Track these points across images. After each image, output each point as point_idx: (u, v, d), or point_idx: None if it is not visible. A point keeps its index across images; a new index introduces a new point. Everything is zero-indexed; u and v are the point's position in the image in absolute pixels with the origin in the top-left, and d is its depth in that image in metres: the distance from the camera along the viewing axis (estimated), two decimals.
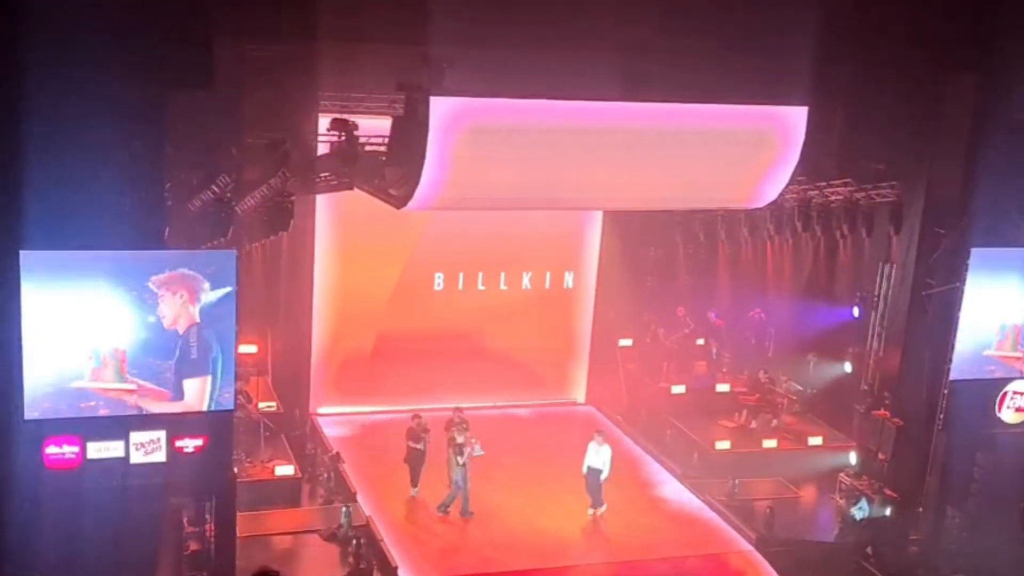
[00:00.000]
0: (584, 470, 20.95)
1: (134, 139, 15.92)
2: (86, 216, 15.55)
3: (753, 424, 24.75)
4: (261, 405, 22.39)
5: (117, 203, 15.76)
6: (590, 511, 21.01)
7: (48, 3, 15.01)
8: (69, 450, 16.10)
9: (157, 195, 16.89)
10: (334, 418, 24.63)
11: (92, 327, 15.92)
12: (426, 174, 18.08)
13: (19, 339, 15.60)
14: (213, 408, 16.54)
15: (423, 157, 17.92)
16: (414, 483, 21.31)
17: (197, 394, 16.49)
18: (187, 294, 16.18)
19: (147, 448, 16.49)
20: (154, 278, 15.93)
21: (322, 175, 19.72)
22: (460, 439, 20.64)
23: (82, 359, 15.93)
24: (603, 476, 20.90)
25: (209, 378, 16.40)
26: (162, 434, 16.53)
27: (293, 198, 18.90)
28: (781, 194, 21.15)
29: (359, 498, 20.82)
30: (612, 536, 20.67)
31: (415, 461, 21.24)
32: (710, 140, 19.72)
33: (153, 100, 16.16)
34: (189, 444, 16.71)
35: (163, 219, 17.16)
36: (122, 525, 16.32)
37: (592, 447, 20.93)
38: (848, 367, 24.74)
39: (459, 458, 20.52)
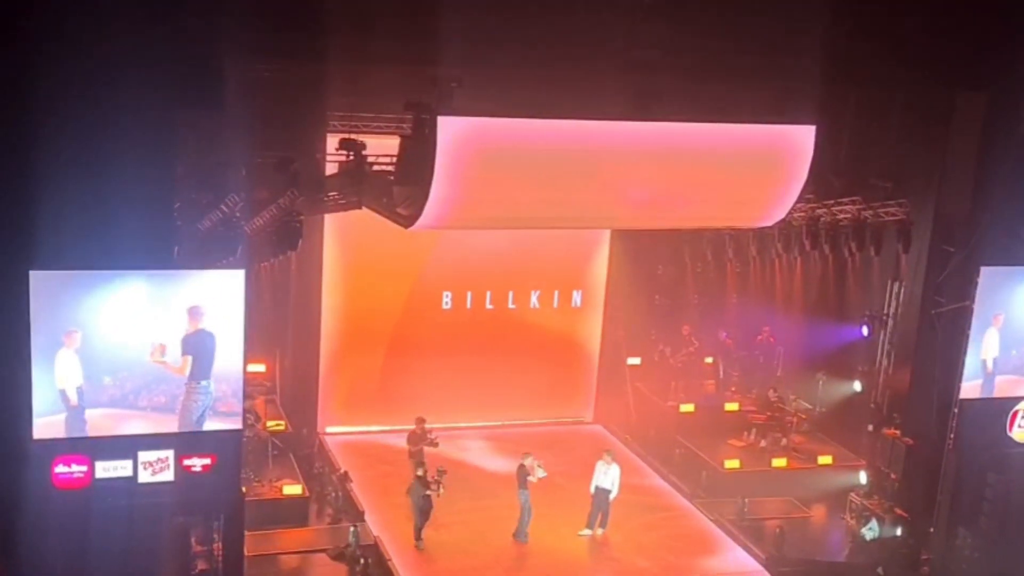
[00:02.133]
0: (592, 489, 20.89)
1: (144, 159, 15.94)
2: (96, 236, 15.58)
3: (762, 443, 24.68)
4: (269, 424, 22.38)
5: (127, 223, 15.76)
6: (586, 532, 20.91)
7: (59, 24, 15.10)
8: (78, 469, 16.12)
9: (167, 215, 16.94)
10: (342, 437, 24.61)
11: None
12: (434, 193, 18.10)
13: (28, 359, 15.63)
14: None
15: (431, 177, 17.94)
16: (419, 535, 20.21)
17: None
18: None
19: (155, 467, 16.51)
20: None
21: (330, 194, 19.77)
22: (527, 463, 20.53)
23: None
24: (612, 496, 20.84)
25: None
26: (170, 453, 16.55)
27: (302, 217, 18.95)
28: (789, 212, 21.15)
29: (367, 517, 20.80)
30: (620, 556, 20.58)
31: (427, 508, 20.10)
32: (719, 159, 19.72)
33: (163, 120, 16.21)
34: (197, 463, 16.72)
35: (173, 239, 17.21)
36: (130, 544, 16.29)
37: (600, 466, 20.88)
38: (857, 386, 24.69)
39: (529, 478, 20.46)
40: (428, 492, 19.88)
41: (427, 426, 21.91)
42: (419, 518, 20.04)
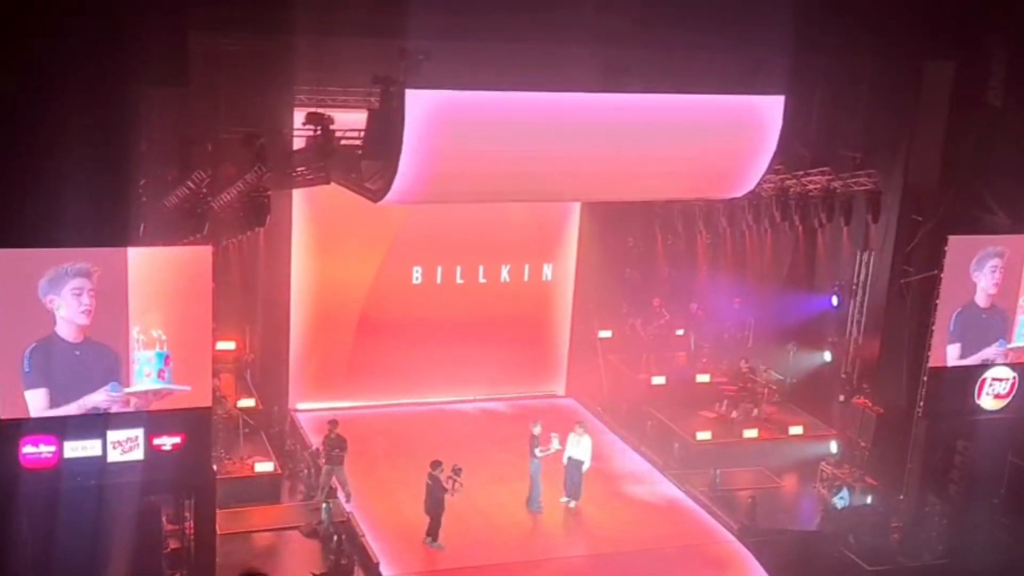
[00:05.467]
0: (565, 460, 20.93)
1: (108, 135, 15.73)
2: (61, 214, 15.37)
3: (734, 414, 24.78)
4: (240, 402, 22.26)
5: (92, 200, 15.57)
6: (563, 499, 21.03)
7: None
8: (46, 449, 15.93)
9: (132, 192, 16.74)
10: (314, 414, 24.49)
11: None
12: (402, 167, 17.98)
13: None
14: None
15: (399, 150, 17.81)
16: (436, 535, 19.54)
17: None
18: None
19: (125, 446, 16.33)
20: None
21: (298, 170, 19.61)
22: (536, 431, 20.53)
23: None
24: (584, 467, 20.88)
25: None
26: (140, 432, 16.37)
27: (269, 193, 18.79)
28: (759, 184, 21.15)
29: (340, 494, 20.73)
30: (594, 528, 20.64)
31: (440, 510, 19.46)
32: (688, 130, 19.69)
33: (127, 96, 16.02)
34: (167, 442, 16.56)
35: (139, 216, 17.00)
36: (100, 524, 16.14)
37: (572, 438, 20.92)
38: (828, 356, 24.81)
39: (537, 450, 20.45)
40: (444, 493, 19.30)
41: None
42: (434, 519, 19.48)
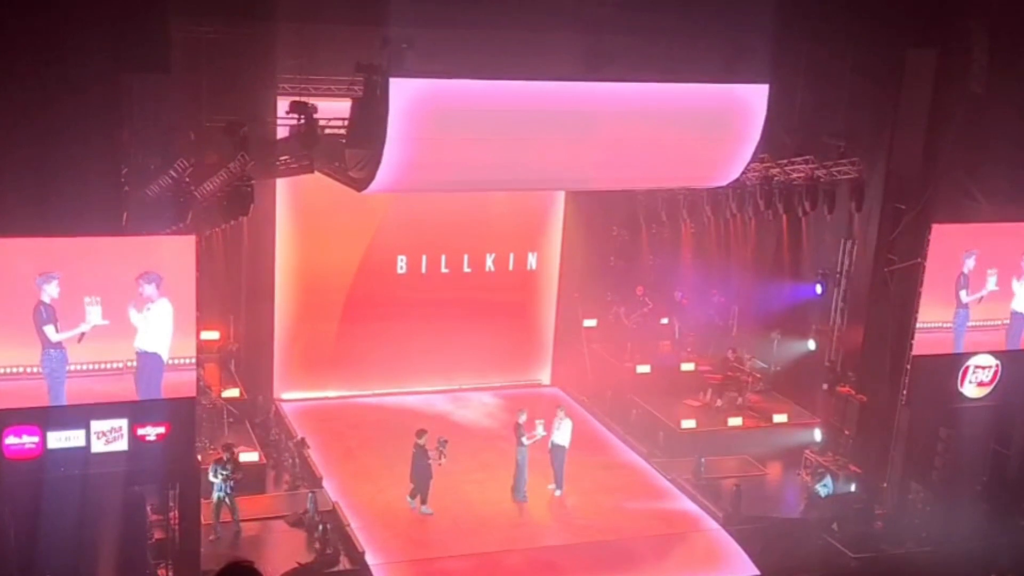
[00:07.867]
0: (549, 446, 20.99)
1: (90, 124, 15.62)
2: (43, 203, 15.27)
3: (718, 402, 24.84)
4: (224, 392, 22.19)
5: (74, 189, 15.48)
6: (550, 486, 21.10)
7: None
8: (29, 440, 15.83)
9: (114, 181, 16.63)
10: (298, 403, 24.46)
11: None
12: (386, 156, 17.95)
13: None
14: None
15: (383, 139, 17.79)
16: (425, 499, 20.09)
17: None
18: None
19: (109, 437, 16.23)
20: None
21: (282, 158, 19.55)
22: (522, 420, 20.59)
23: None
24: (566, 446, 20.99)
25: None
26: (124, 422, 16.28)
27: (253, 182, 18.69)
28: (743, 172, 21.17)
29: (325, 483, 20.72)
30: (579, 517, 20.67)
31: (427, 476, 19.91)
32: (672, 119, 19.70)
33: (109, 84, 15.89)
34: (151, 432, 16.48)
35: (121, 205, 16.91)
36: (85, 515, 16.08)
37: (556, 424, 20.96)
38: (812, 344, 24.86)
39: (524, 438, 20.51)
40: (429, 461, 19.71)
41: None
42: (420, 485, 19.85)
